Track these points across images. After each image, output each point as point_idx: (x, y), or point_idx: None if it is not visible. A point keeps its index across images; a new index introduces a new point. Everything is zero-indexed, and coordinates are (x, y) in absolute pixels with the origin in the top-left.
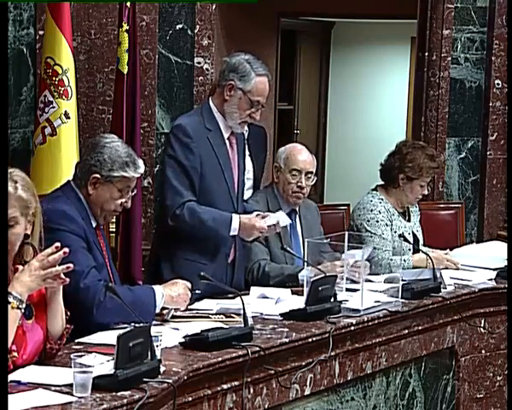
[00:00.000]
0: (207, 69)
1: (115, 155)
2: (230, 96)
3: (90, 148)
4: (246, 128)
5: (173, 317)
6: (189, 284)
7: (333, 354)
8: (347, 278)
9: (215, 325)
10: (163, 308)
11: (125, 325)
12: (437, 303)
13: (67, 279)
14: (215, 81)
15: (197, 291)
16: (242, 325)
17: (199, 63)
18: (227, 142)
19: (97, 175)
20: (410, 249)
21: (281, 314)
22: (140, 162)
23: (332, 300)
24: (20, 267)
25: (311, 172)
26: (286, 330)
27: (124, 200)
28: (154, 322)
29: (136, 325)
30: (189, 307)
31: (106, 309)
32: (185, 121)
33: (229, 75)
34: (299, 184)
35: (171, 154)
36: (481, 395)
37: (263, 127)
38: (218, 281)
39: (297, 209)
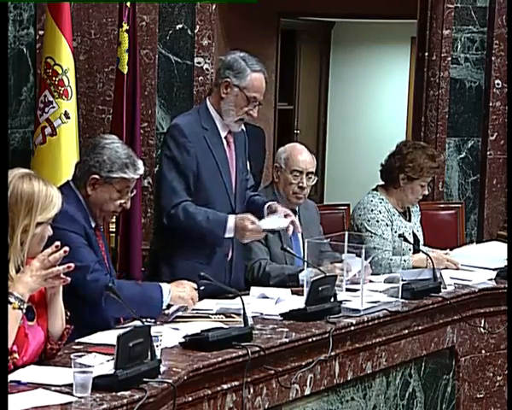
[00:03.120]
0: (207, 69)
1: (115, 156)
2: (227, 94)
3: (89, 148)
4: (242, 127)
5: (177, 317)
6: (194, 285)
7: (333, 354)
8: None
9: (215, 325)
10: (169, 306)
11: (126, 325)
12: (437, 303)
13: (68, 279)
14: (214, 82)
15: (201, 287)
16: (242, 325)
17: (199, 63)
18: (224, 141)
19: (96, 176)
20: (410, 249)
21: (281, 314)
22: (139, 163)
23: (332, 300)
24: (33, 261)
25: (312, 173)
26: (286, 330)
27: (123, 201)
28: (154, 322)
29: (143, 319)
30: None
31: (115, 302)
32: (181, 121)
33: (224, 73)
34: (301, 184)
35: (168, 154)
36: (481, 395)
37: (261, 128)
38: (218, 281)
39: (296, 209)
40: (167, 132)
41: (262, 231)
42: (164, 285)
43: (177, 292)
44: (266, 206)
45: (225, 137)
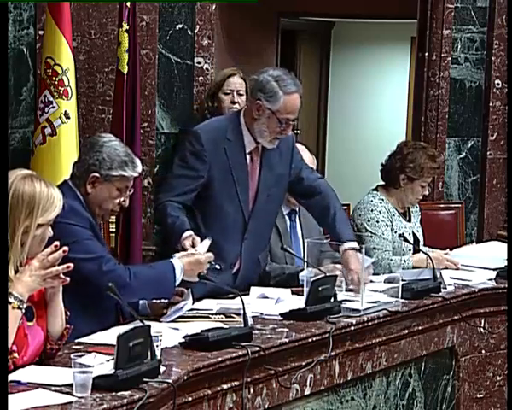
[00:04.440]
0: (207, 69)
1: (114, 154)
2: (259, 116)
3: (88, 147)
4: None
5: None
6: (203, 257)
7: (333, 354)
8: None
9: (215, 325)
10: (166, 307)
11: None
12: (437, 303)
13: (67, 279)
14: (213, 82)
15: (217, 266)
16: (242, 325)
17: (199, 63)
18: (248, 157)
19: (96, 174)
20: (410, 250)
21: (281, 314)
22: (138, 161)
23: (332, 300)
24: (32, 261)
25: None
26: (286, 330)
27: (122, 199)
28: (153, 322)
29: (158, 300)
30: (189, 307)
31: (132, 289)
32: (203, 128)
33: (256, 94)
34: None
35: (181, 154)
36: (481, 395)
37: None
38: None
39: (297, 209)
40: (188, 135)
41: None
42: (176, 264)
43: (189, 267)
44: (342, 250)
45: (250, 153)
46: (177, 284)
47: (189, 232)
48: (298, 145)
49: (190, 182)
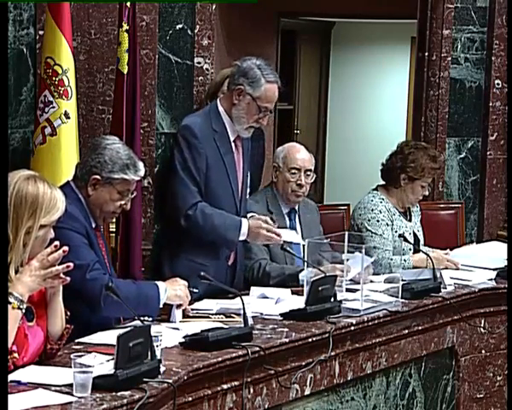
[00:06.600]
0: (207, 69)
1: (116, 156)
2: (239, 101)
3: (91, 149)
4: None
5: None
6: (186, 283)
7: (333, 354)
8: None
9: (215, 325)
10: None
11: (126, 325)
12: (437, 303)
13: (68, 278)
14: (213, 82)
15: (195, 290)
16: (242, 325)
17: (199, 63)
18: (233, 145)
19: (97, 176)
20: (410, 249)
21: (281, 314)
22: (140, 165)
23: (332, 300)
24: (32, 261)
25: (310, 170)
26: (286, 330)
27: (123, 202)
28: (154, 322)
29: (141, 319)
30: (189, 306)
31: (113, 302)
32: (192, 122)
33: (238, 79)
34: (299, 182)
35: (180, 154)
36: (481, 395)
37: (261, 129)
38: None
39: (296, 209)
40: (178, 133)
41: (278, 236)
42: (160, 284)
43: (173, 290)
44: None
45: (234, 141)
46: (161, 304)
47: (246, 220)
48: (295, 144)
49: (198, 178)
